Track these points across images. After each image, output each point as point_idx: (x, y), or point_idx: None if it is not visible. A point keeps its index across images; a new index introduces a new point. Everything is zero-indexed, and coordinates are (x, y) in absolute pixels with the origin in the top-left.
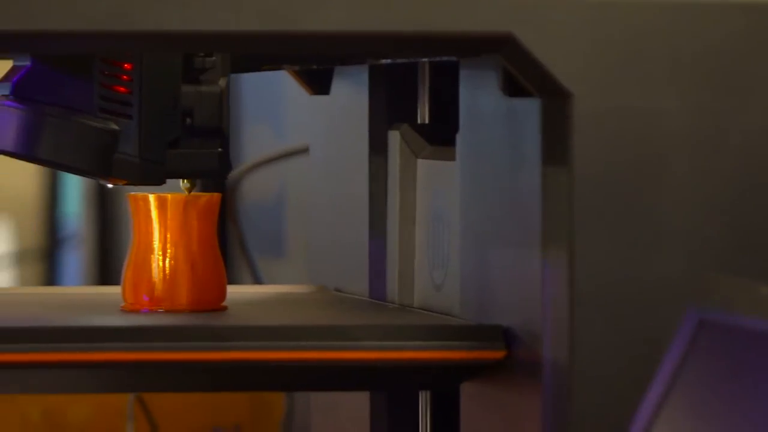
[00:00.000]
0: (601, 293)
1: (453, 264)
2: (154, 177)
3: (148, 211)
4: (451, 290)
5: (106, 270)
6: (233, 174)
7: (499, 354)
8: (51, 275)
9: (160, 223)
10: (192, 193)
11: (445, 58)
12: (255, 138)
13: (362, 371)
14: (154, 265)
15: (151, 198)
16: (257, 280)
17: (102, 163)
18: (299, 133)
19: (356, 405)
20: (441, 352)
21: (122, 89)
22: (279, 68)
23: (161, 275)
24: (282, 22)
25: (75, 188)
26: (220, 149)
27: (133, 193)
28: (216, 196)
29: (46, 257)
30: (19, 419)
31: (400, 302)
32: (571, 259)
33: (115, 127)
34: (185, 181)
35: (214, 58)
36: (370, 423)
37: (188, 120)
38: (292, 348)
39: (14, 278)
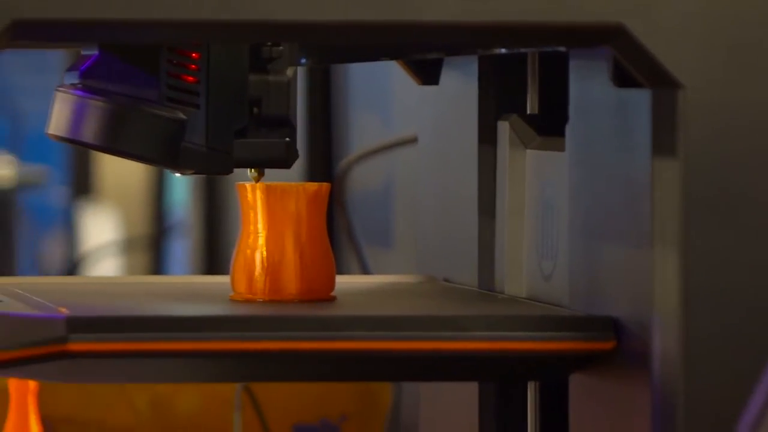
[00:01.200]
0: (712, 285)
1: (562, 254)
2: (221, 166)
3: (257, 200)
4: (560, 281)
5: (213, 258)
6: (342, 164)
7: (608, 345)
8: (158, 264)
9: (269, 212)
10: (302, 182)
11: (554, 49)
12: (363, 128)
13: (471, 362)
14: (262, 254)
15: (261, 187)
16: (365, 270)
17: (169, 152)
18: (408, 123)
19: (465, 396)
20: (550, 343)
21: (189, 78)
22: (389, 59)
23: (270, 265)
24: (394, 13)
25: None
26: (287, 139)
27: (242, 182)
28: (325, 186)
29: (153, 246)
30: (127, 408)
31: (508, 292)
32: (682, 251)
33: (182, 116)
34: (253, 170)
35: (281, 47)
36: (479, 414)
37: (255, 109)
38: (400, 338)
39: (122, 267)
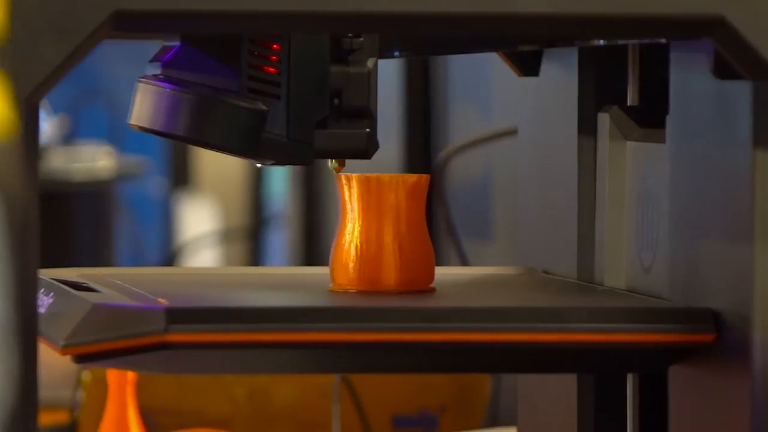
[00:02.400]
0: None
1: (662, 246)
2: (301, 157)
3: (357, 191)
4: (659, 273)
5: (311, 249)
6: (441, 155)
7: (708, 337)
8: (255, 255)
9: (368, 203)
10: (401, 174)
11: (654, 40)
12: (462, 119)
13: (570, 354)
14: (362, 245)
15: (360, 179)
16: (464, 262)
17: (250, 143)
18: (507, 114)
19: (563, 388)
20: (650, 335)
21: (271, 70)
22: (489, 50)
23: (370, 256)
24: (494, 4)
25: (281, 168)
26: (368, 129)
27: (342, 173)
28: (425, 177)
29: (250, 237)
30: (224, 399)
31: (607, 284)
32: None
33: (263, 107)
34: (333, 161)
35: (362, 39)
36: (577, 406)
37: (336, 100)
38: (500, 330)
39: (219, 258)
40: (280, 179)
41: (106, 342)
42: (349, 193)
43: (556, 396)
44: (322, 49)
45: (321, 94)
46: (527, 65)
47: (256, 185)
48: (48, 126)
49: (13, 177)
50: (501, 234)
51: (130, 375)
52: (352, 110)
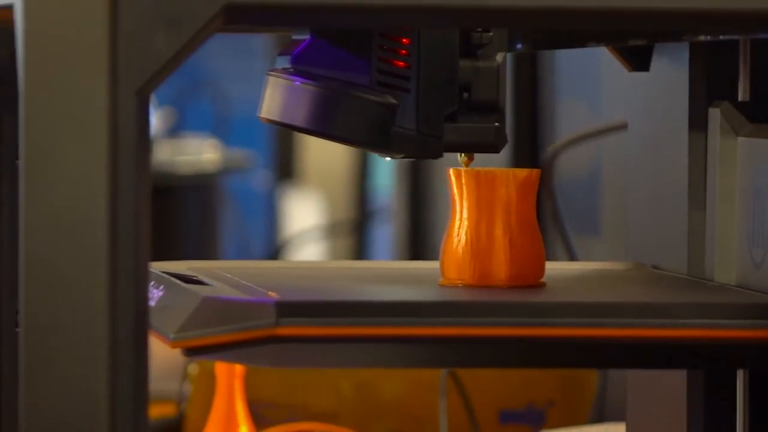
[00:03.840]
0: None
1: None
2: (431, 151)
3: (468, 186)
4: None
5: (417, 243)
6: (549, 149)
7: None
8: (361, 249)
9: (479, 198)
10: (512, 168)
11: (766, 36)
12: (570, 114)
13: (681, 349)
14: (472, 240)
15: (471, 173)
16: (572, 256)
17: (380, 136)
18: (615, 109)
19: (672, 383)
20: (760, 331)
21: (400, 63)
22: (599, 45)
23: (480, 250)
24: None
25: (386, 161)
26: (496, 123)
27: (452, 167)
28: (535, 172)
29: (356, 231)
30: (331, 393)
31: (718, 280)
32: None
33: (392, 100)
34: (462, 155)
35: (491, 33)
36: (687, 402)
37: (465, 94)
38: (610, 325)
39: (324, 251)
40: (386, 172)
41: (216, 335)
42: (460, 188)
43: (665, 392)
44: (452, 43)
45: (450, 87)
46: (638, 60)
47: (362, 179)
48: (154, 119)
49: (125, 170)
50: (608, 229)
51: (238, 368)
52: (481, 104)
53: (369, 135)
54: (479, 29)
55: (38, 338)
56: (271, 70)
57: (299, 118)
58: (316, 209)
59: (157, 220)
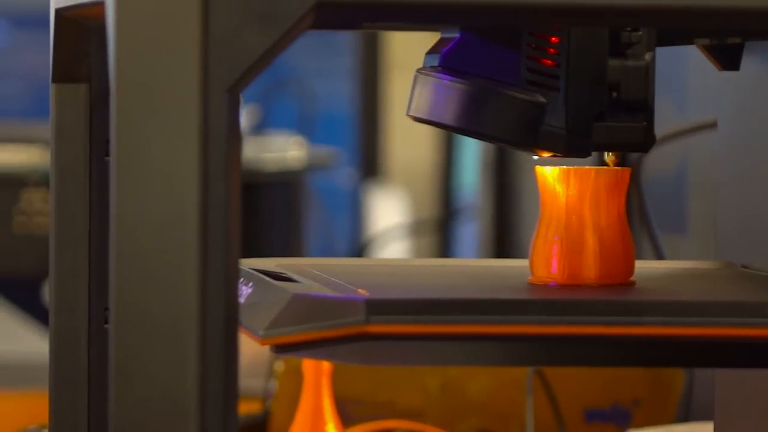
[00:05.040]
0: None
1: None
2: (579, 149)
3: (557, 184)
4: None
5: (503, 242)
6: None
7: None
8: (445, 247)
9: (568, 196)
10: (601, 167)
11: None
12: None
13: None
14: (562, 238)
15: (560, 171)
16: (660, 255)
17: (528, 134)
18: (703, 108)
19: (763, 383)
20: None
21: (549, 62)
22: (690, 43)
23: (569, 249)
24: None
25: (472, 159)
26: (645, 123)
27: (540, 165)
28: (626, 171)
29: (440, 229)
30: (417, 391)
31: None
32: None
33: (541, 99)
34: (610, 153)
35: (640, 32)
36: None
37: (614, 93)
38: (700, 324)
39: (409, 249)
40: (471, 170)
41: (306, 332)
42: (549, 186)
43: (754, 391)
44: (601, 42)
45: (599, 86)
46: (728, 58)
47: (447, 176)
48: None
49: (216, 167)
50: (695, 228)
51: (326, 365)
52: (629, 103)
53: (518, 133)
54: (628, 28)
55: (128, 335)
56: (420, 69)
57: (448, 116)
58: (401, 207)
59: (242, 217)
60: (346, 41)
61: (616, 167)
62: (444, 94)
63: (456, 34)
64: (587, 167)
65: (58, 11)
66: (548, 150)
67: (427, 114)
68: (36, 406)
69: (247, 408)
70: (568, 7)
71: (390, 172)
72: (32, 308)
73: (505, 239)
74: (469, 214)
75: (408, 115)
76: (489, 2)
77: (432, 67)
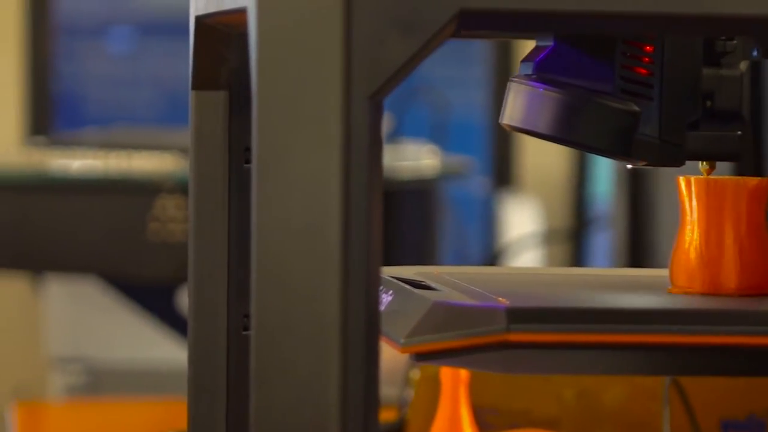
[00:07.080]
0: None
1: None
2: (673, 158)
3: (698, 194)
4: None
5: (637, 252)
6: None
7: None
8: (578, 256)
9: (708, 206)
10: (742, 177)
11: None
12: None
13: None
14: (702, 248)
15: (700, 181)
16: None
17: (622, 143)
18: None
19: None
20: None
21: (643, 71)
22: None
23: (709, 259)
24: None
25: (605, 168)
26: (739, 132)
27: (681, 176)
28: (766, 181)
29: (574, 238)
30: (553, 400)
31: None
32: None
33: (635, 108)
34: (704, 163)
35: (735, 41)
36: None
37: (708, 103)
38: None
39: (542, 258)
40: (605, 179)
41: (447, 341)
42: (690, 196)
43: None
44: (696, 51)
45: (693, 95)
46: None
47: (580, 186)
48: None
49: (358, 175)
50: None
51: (464, 374)
52: (724, 113)
53: (612, 142)
54: (723, 37)
55: (270, 342)
56: (514, 77)
57: (542, 124)
58: (534, 216)
59: None
60: (478, 50)
61: (757, 177)
62: (538, 103)
63: (550, 43)
64: (727, 177)
65: (198, 18)
66: (642, 159)
67: (521, 122)
68: (171, 412)
69: (382, 416)
70: (666, 16)
71: (523, 180)
72: (166, 315)
73: (639, 249)
74: (602, 224)
75: (502, 123)
76: (637, 11)
77: (526, 75)
